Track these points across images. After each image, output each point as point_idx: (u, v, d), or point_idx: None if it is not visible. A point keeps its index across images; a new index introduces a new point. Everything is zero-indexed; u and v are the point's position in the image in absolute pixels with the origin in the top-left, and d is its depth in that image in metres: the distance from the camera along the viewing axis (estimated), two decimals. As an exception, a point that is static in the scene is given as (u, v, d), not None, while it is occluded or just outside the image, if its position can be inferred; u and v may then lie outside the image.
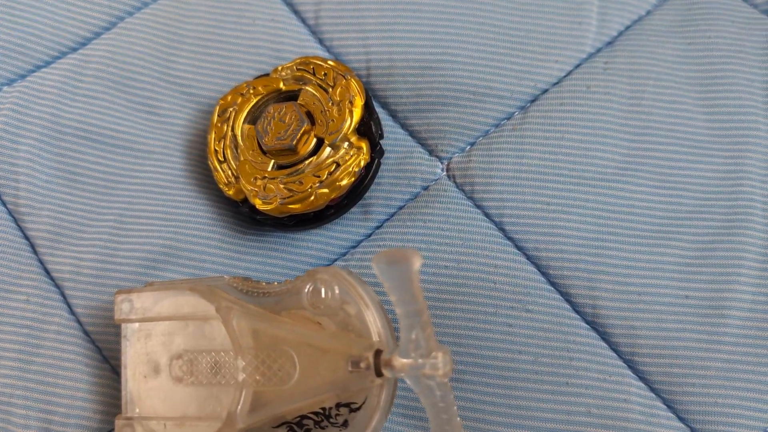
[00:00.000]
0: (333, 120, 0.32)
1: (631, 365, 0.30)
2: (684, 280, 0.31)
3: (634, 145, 0.33)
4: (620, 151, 0.33)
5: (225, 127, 0.34)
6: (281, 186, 0.32)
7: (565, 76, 0.35)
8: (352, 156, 0.31)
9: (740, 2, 0.36)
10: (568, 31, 0.35)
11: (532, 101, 0.34)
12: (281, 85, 0.33)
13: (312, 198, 0.31)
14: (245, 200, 0.33)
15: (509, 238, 0.32)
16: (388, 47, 0.35)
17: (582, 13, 0.35)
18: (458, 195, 0.33)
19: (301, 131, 0.32)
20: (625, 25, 0.36)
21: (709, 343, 0.30)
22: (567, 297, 0.31)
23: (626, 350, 0.30)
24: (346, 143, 0.32)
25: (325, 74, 0.33)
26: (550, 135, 0.33)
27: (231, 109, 0.34)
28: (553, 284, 0.32)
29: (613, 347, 0.31)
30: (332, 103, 0.32)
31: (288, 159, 0.32)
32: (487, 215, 0.33)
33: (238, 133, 0.33)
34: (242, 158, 0.33)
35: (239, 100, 0.34)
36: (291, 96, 0.33)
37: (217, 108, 0.34)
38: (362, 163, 0.32)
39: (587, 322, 0.31)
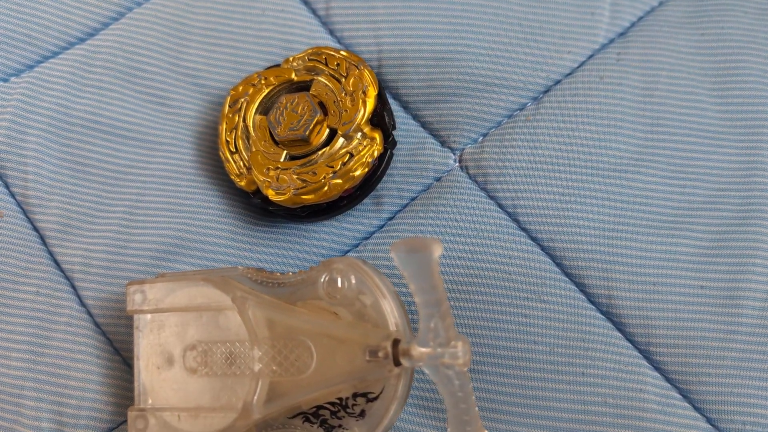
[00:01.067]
0: (346, 110, 0.31)
1: (647, 355, 0.30)
2: (699, 271, 0.31)
3: (648, 136, 0.33)
4: (634, 141, 0.33)
5: (236, 118, 0.33)
6: (294, 177, 0.31)
7: (578, 67, 0.35)
8: (365, 146, 0.31)
9: (753, -7, 0.36)
10: (581, 21, 0.35)
11: (545, 92, 0.34)
12: (293, 75, 0.33)
13: (325, 188, 0.31)
14: (257, 191, 0.32)
15: (523, 229, 0.32)
16: (399, 38, 0.35)
17: (595, 3, 0.35)
18: (471, 186, 0.33)
19: (314, 122, 0.32)
20: (637, 16, 0.36)
21: (725, 333, 0.30)
22: (582, 287, 0.31)
23: (642, 340, 0.30)
24: (359, 134, 0.31)
25: (337, 64, 0.32)
26: (564, 126, 0.33)
27: (242, 99, 0.33)
28: (567, 275, 0.31)
29: (629, 337, 0.30)
30: (345, 94, 0.32)
31: (301, 150, 0.32)
32: (500, 206, 0.33)
33: (250, 123, 0.33)
34: (254, 149, 0.33)
35: (251, 90, 0.33)
36: (303, 86, 0.33)
37: (228, 99, 0.34)
38: (375, 154, 0.31)
39: (602, 313, 0.31)
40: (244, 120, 0.33)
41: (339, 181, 0.31)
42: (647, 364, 0.30)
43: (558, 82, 0.34)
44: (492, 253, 0.32)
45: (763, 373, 0.29)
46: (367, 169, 0.31)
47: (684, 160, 0.33)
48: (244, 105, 0.33)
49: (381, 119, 0.32)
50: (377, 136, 0.32)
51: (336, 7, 0.36)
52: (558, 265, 0.32)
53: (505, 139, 0.33)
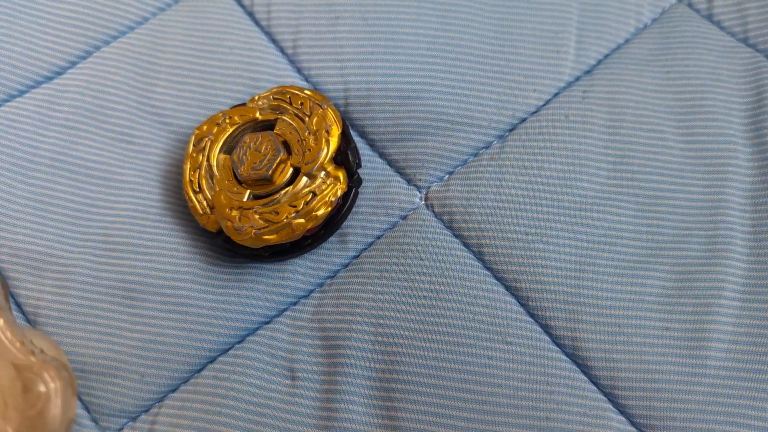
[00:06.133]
0: (309, 149, 0.31)
1: (612, 399, 0.30)
2: (664, 312, 0.31)
3: (614, 174, 0.33)
4: (599, 180, 0.33)
5: (200, 157, 0.33)
6: (256, 216, 0.31)
7: (543, 105, 0.34)
8: (329, 185, 0.31)
9: (717, 30, 0.36)
10: (547, 59, 0.35)
11: (511, 130, 0.34)
12: (257, 114, 0.33)
13: (288, 228, 0.31)
14: (221, 231, 0.32)
15: (488, 269, 0.32)
16: (366, 76, 0.35)
17: (559, 42, 0.35)
18: (437, 224, 0.33)
19: (277, 161, 0.31)
20: (603, 53, 0.36)
21: (690, 375, 0.30)
22: (546, 329, 0.31)
23: (606, 383, 0.30)
24: (323, 173, 0.31)
25: (301, 103, 0.32)
26: (529, 164, 0.33)
27: (206, 138, 0.33)
28: (532, 315, 0.31)
29: (593, 380, 0.30)
30: (309, 133, 0.32)
31: (264, 189, 0.32)
32: (466, 245, 0.32)
33: (214, 163, 0.33)
34: (218, 188, 0.32)
35: (215, 129, 0.33)
36: (267, 125, 0.33)
37: (193, 138, 0.33)
38: (339, 193, 0.31)
39: (567, 355, 0.30)
40: (208, 159, 0.33)
41: (302, 220, 0.31)
42: (612, 408, 0.30)
43: (523, 120, 0.34)
44: (457, 293, 0.31)
45: (728, 416, 0.29)
46: (330, 209, 0.31)
47: (650, 198, 0.33)
48: (208, 144, 0.33)
49: (345, 158, 0.32)
50: (341, 175, 0.31)
51: (303, 45, 0.36)
52: (523, 305, 0.31)
53: (470, 177, 0.33)
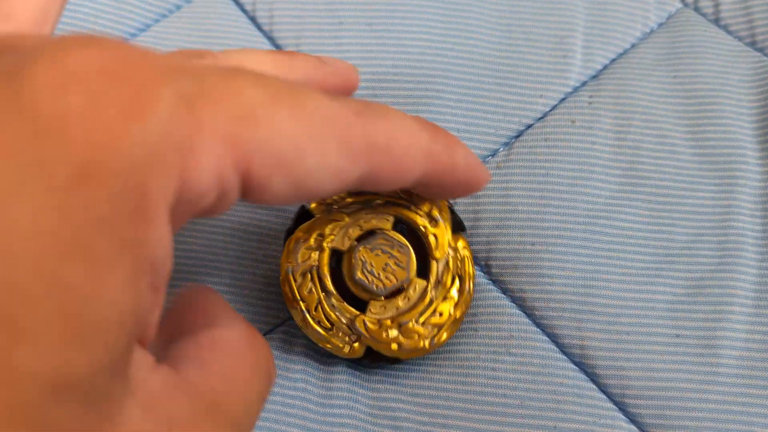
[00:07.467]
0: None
1: (622, 407, 0.29)
2: (674, 319, 0.30)
3: (622, 180, 0.33)
4: (607, 186, 0.32)
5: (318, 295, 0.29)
6: (418, 325, 0.29)
7: (549, 111, 0.34)
8: None
9: (725, 35, 0.35)
10: (554, 65, 0.35)
11: (517, 137, 0.34)
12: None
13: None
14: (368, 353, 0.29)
15: (494, 281, 0.31)
16: (371, 82, 0.35)
17: (566, 46, 0.35)
18: (443, 233, 0.33)
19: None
20: (609, 58, 0.35)
21: (702, 383, 0.29)
22: (554, 338, 0.30)
23: (616, 392, 0.29)
24: None
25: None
26: (536, 171, 0.33)
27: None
28: (538, 325, 0.31)
29: (603, 389, 0.30)
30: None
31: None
32: (474, 258, 0.32)
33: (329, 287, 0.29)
34: (348, 315, 0.29)
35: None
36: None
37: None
38: None
39: (575, 364, 0.30)
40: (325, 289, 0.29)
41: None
42: (623, 417, 0.29)
43: (529, 126, 0.34)
44: (463, 304, 0.31)
45: (741, 425, 0.28)
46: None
47: (659, 204, 0.32)
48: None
49: None
50: None
51: (306, 51, 0.36)
52: (528, 315, 0.31)
53: (477, 186, 0.33)
